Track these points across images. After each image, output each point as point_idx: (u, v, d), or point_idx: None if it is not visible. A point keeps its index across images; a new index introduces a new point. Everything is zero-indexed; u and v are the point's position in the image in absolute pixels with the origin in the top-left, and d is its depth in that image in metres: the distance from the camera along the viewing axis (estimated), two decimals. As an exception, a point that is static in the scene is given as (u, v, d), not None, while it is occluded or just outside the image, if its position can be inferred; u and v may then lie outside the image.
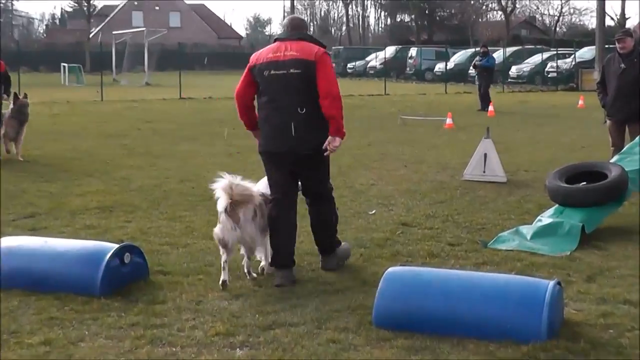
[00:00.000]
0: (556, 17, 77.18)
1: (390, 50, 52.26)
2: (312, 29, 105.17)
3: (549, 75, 41.14)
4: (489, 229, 7.84)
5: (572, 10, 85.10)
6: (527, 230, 7.44)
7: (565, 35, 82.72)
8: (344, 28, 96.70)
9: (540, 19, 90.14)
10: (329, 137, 6.09)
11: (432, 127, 18.62)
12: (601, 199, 7.58)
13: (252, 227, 5.90)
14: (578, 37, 74.89)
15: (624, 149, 8.66)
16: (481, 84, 24.64)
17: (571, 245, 7.03)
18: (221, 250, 5.92)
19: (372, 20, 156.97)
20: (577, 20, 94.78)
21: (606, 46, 40.63)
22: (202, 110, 24.19)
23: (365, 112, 23.62)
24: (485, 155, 10.79)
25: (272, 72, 6.11)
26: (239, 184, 5.82)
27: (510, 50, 46.30)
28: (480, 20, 75.10)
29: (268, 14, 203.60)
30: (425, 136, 16.63)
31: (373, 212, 8.65)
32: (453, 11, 74.95)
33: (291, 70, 6.06)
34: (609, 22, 70.57)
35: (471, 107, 25.97)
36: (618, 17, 53.82)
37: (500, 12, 72.97)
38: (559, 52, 42.92)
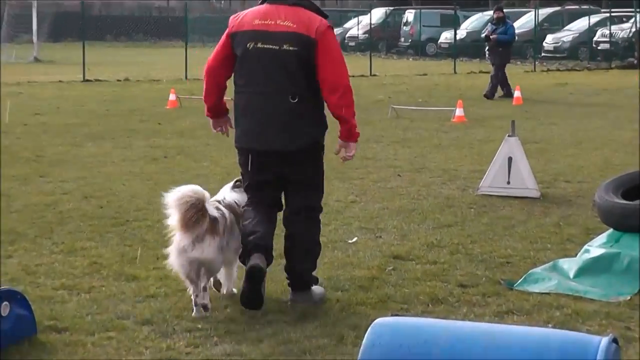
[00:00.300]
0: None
1: (377, 14, 52.50)
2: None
3: (598, 48, 41.56)
4: (516, 263, 7.86)
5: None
6: (570, 265, 7.46)
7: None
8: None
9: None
10: (340, 142, 6.76)
11: (436, 120, 18.70)
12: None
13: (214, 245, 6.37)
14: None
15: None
16: (495, 62, 24.48)
17: (632, 287, 7.05)
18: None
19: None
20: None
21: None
22: (115, 98, 24.14)
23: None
24: (510, 159, 10.84)
25: (259, 45, 6.42)
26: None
27: (544, 12, 46.73)
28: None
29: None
30: (426, 133, 16.70)
31: (353, 240, 8.64)
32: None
33: (284, 47, 6.38)
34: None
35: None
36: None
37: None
38: (612, 14, 43.33)
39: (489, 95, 23.64)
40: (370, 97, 24.61)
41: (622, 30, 41.11)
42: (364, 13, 53.17)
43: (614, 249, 7.50)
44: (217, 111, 6.80)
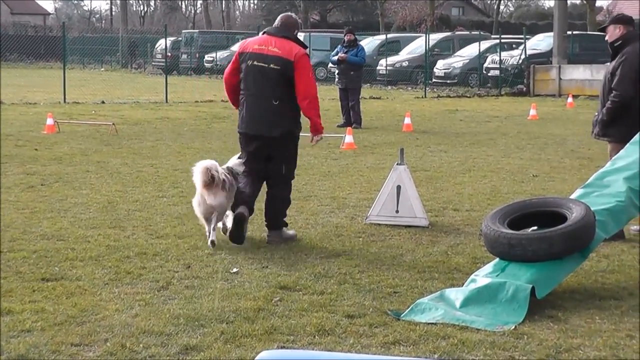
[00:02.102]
0: (499, -8, 79.51)
1: (266, 36, 52.61)
2: (154, 3, 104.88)
3: (489, 74, 42.37)
4: (404, 293, 7.99)
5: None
6: (457, 294, 7.63)
7: (513, 16, 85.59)
8: (199, 3, 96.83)
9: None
10: (311, 133, 10.15)
11: (325, 147, 18.84)
12: (558, 250, 7.83)
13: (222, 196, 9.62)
14: (530, 19, 77.73)
15: (590, 179, 9.02)
16: (348, 87, 23.82)
17: (517, 316, 7.25)
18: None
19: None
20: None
21: (569, 32, 42.40)
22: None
23: (229, 126, 23.69)
24: (399, 188, 11.01)
25: (255, 63, 9.74)
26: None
27: (434, 37, 47.50)
28: (393, -6, 76.69)
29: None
30: (315, 161, 16.82)
31: (235, 270, 8.70)
32: (356, -19, 76.33)
33: (271, 65, 9.68)
34: None
35: (381, 117, 26.48)
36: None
37: (421, -16, 74.66)
38: (503, 40, 44.26)
39: (359, 122, 23.41)
40: (257, 122, 24.63)
41: (512, 57, 41.96)
42: (252, 35, 53.21)
43: (499, 278, 7.71)
44: (237, 105, 10.07)
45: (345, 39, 24.35)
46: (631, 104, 10.18)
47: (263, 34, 9.97)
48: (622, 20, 10.52)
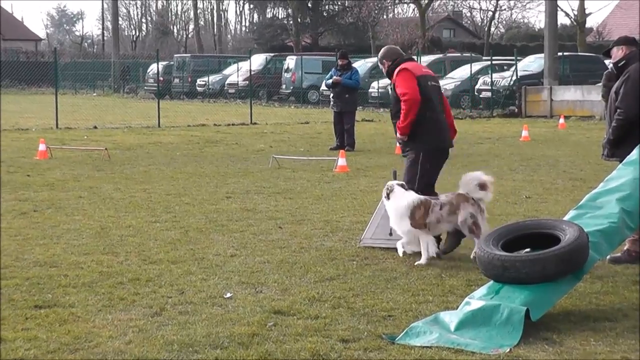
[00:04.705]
0: (490, 13, 79.91)
1: (258, 60, 52.88)
2: (146, 28, 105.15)
3: (480, 96, 42.45)
4: (398, 316, 7.98)
5: (512, 4, 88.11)
6: (451, 317, 7.62)
7: (504, 38, 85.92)
8: (191, 27, 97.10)
9: (468, 15, 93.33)
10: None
11: (318, 170, 18.87)
12: (552, 272, 7.84)
13: None
14: (521, 41, 77.99)
15: (582, 201, 9.03)
16: (343, 111, 23.85)
17: (512, 339, 7.25)
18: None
19: (231, 17, 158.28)
20: (519, 17, 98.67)
21: (559, 53, 42.55)
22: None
23: (222, 150, 23.74)
24: (393, 211, 11.00)
25: (432, 83, 11.09)
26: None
27: (426, 59, 47.59)
28: (384, 17, 77.02)
29: (78, 5, 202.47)
30: (308, 184, 16.83)
31: (229, 295, 8.68)
32: (347, 4, 76.62)
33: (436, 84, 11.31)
34: (562, 19, 74.05)
35: (374, 140, 26.50)
36: (576, 13, 56.28)
37: (412, 6, 75.06)
38: (494, 62, 44.40)
39: (352, 145, 23.41)
40: (250, 146, 24.72)
41: (504, 79, 42.03)
42: (244, 59, 53.39)
43: (494, 300, 7.70)
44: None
45: (339, 62, 24.40)
46: (637, 121, 10.23)
47: (405, 61, 10.96)
48: (625, 41, 10.68)
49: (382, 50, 11.37)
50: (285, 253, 10.63)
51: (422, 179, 10.81)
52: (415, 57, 43.99)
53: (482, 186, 10.37)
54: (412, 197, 10.21)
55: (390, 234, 10.89)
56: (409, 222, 10.09)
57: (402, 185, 10.39)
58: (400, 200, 10.21)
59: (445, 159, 11.25)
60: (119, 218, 12.93)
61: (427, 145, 10.89)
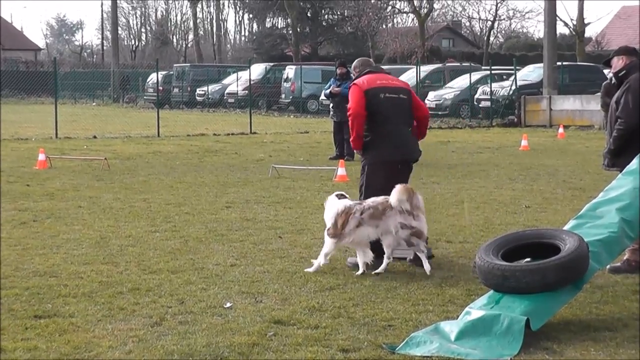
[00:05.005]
0: (489, 23, 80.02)
1: (257, 70, 52.96)
2: (145, 37, 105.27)
3: (480, 105, 42.48)
4: (398, 326, 7.98)
5: (511, 13, 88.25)
6: (451, 327, 7.62)
7: (503, 48, 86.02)
8: (190, 37, 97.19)
9: (468, 24, 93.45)
10: None
11: (318, 180, 18.87)
12: (552, 281, 7.84)
13: None
14: (520, 50, 78.08)
15: (582, 210, 9.03)
16: (344, 121, 22.40)
17: (512, 348, 7.25)
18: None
19: (231, 26, 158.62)
20: (519, 27, 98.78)
21: (559, 63, 42.60)
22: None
23: (222, 159, 23.75)
24: (392, 220, 11.00)
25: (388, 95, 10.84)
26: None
27: (425, 69, 47.71)
28: (384, 26, 77.12)
29: (77, 15, 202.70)
30: (307, 194, 16.82)
31: (229, 305, 8.67)
32: (346, 14, 76.74)
33: (401, 95, 11.01)
34: (561, 29, 74.19)
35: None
36: (575, 22, 56.38)
37: (412, 16, 75.22)
38: (493, 72, 44.45)
39: (352, 155, 23.12)
40: (250, 155, 24.73)
41: (503, 88, 42.06)
42: (243, 68, 53.44)
43: (494, 310, 7.70)
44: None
45: (338, 71, 24.39)
46: (637, 130, 10.24)
47: (368, 73, 10.90)
48: (626, 51, 10.70)
49: (355, 61, 11.48)
50: (285, 263, 10.63)
51: (368, 189, 10.76)
52: (414, 67, 43.98)
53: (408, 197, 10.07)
54: (339, 205, 10.30)
55: (390, 244, 10.88)
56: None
57: (339, 195, 10.46)
58: (328, 210, 10.37)
59: (400, 171, 10.83)
60: (118, 228, 12.93)
61: (371, 158, 10.85)
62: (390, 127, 10.79)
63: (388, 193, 10.10)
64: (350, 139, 11.05)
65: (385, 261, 10.13)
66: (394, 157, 10.81)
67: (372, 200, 10.24)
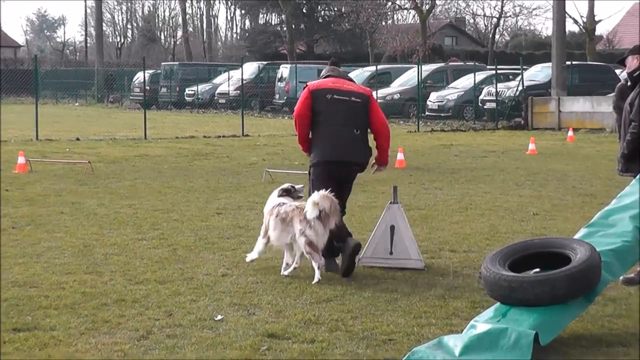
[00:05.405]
0: (495, 20, 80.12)
1: (250, 69, 52.93)
2: (131, 34, 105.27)
3: (485, 107, 42.46)
4: (399, 340, 7.96)
5: (517, 10, 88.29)
6: (455, 341, 7.58)
7: (509, 46, 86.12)
8: (179, 34, 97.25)
9: (472, 22, 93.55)
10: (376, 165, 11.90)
11: (314, 185, 18.85)
12: (562, 293, 7.82)
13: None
14: (526, 49, 78.19)
15: (594, 218, 9.02)
16: None
17: (519, 364, 7.23)
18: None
19: (222, 23, 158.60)
20: (525, 24, 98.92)
21: (568, 62, 42.59)
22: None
23: (212, 163, 23.73)
24: (392, 228, 11.00)
25: (336, 96, 11.05)
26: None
27: (427, 68, 47.68)
28: (383, 23, 77.13)
29: (59, 10, 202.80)
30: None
31: (220, 318, 8.65)
32: (344, 10, 76.72)
33: (352, 99, 11.12)
34: (571, 26, 74.26)
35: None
36: (585, 20, 56.44)
37: (413, 12, 75.21)
38: (499, 71, 44.42)
39: None
40: (242, 159, 24.73)
41: (509, 89, 42.02)
42: (235, 67, 53.43)
43: (501, 324, 7.68)
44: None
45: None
46: None
47: (327, 77, 11.11)
48: None
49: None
50: (279, 273, 10.60)
51: (311, 191, 10.91)
52: (415, 66, 44.01)
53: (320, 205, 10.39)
54: (272, 202, 10.87)
55: (391, 253, 10.89)
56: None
57: (281, 191, 11.03)
58: (266, 206, 11.01)
59: (338, 172, 11.09)
60: (103, 235, 12.90)
61: (312, 158, 11.18)
62: (330, 127, 10.98)
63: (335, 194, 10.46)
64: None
65: (292, 266, 10.60)
66: (331, 156, 11.01)
67: (290, 204, 10.64)
